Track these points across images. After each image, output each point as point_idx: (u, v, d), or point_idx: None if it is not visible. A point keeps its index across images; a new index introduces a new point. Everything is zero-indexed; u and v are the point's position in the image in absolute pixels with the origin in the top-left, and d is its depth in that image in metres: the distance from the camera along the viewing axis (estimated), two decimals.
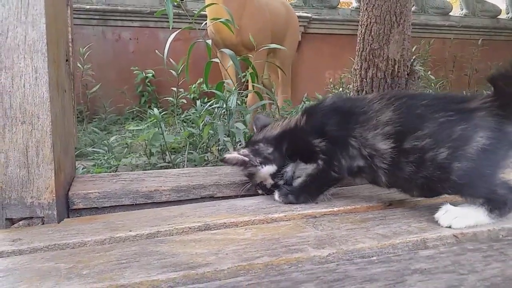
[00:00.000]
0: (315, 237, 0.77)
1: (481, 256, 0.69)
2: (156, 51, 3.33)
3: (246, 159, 1.00)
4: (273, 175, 1.01)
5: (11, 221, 0.87)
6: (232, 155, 1.01)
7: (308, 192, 0.98)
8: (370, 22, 2.39)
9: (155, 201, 0.99)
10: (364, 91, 2.42)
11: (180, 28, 2.71)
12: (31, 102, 0.85)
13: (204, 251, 0.72)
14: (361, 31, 2.43)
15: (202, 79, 4.79)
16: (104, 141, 3.06)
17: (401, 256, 0.69)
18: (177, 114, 4.04)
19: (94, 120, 4.16)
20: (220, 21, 2.59)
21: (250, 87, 3.49)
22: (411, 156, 0.85)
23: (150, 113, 3.03)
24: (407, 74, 2.45)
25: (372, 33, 2.37)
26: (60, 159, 0.92)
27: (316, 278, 0.62)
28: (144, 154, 3.03)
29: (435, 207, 0.93)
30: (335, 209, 0.92)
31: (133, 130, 3.30)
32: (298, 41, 4.86)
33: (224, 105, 2.08)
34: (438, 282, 0.60)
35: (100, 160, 2.74)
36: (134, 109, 4.36)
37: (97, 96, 4.43)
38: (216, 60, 2.73)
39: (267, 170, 1.00)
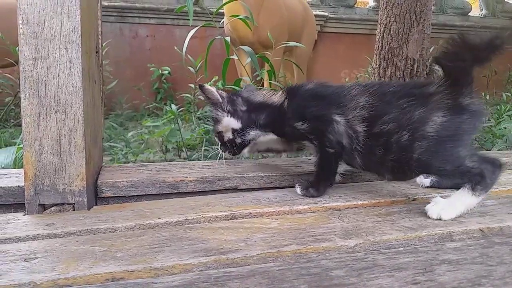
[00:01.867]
0: (341, 228, 0.78)
1: (509, 249, 0.69)
2: (175, 47, 3.36)
3: (220, 99, 1.05)
4: (234, 131, 1.05)
5: (43, 207, 0.89)
6: (212, 88, 1.07)
7: (323, 178, 1.01)
8: (390, 21, 2.38)
9: (180, 191, 1.01)
10: None
11: (197, 26, 2.74)
12: (65, 91, 0.87)
13: (233, 238, 0.73)
14: (380, 30, 2.42)
15: (217, 76, 4.83)
16: (121, 137, 3.10)
17: (428, 248, 0.70)
18: (193, 111, 4.07)
19: (110, 115, 4.22)
20: (239, 18, 2.61)
21: (265, 85, 3.51)
22: (380, 140, 0.91)
23: (166, 109, 3.06)
24: (426, 74, 2.44)
25: (391, 32, 2.36)
26: (90, 148, 0.95)
27: (345, 265, 0.63)
28: (160, 150, 3.07)
29: None
30: (359, 202, 0.93)
31: (150, 126, 3.34)
32: (314, 39, 4.85)
33: None
34: (467, 272, 0.61)
35: (118, 155, 2.78)
36: (150, 106, 4.41)
37: (114, 92, 4.49)
38: (235, 57, 2.75)
39: (231, 122, 1.05)
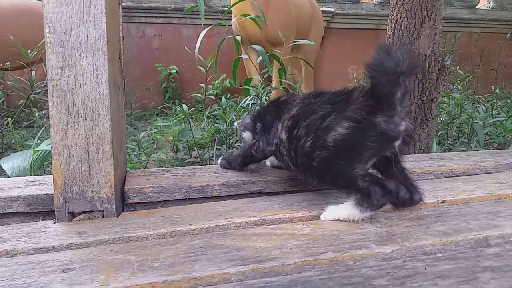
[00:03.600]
0: (375, 234, 0.77)
1: None
2: (186, 47, 3.36)
3: (236, 126, 1.20)
4: (252, 144, 1.09)
5: (72, 215, 0.90)
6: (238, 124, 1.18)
7: (236, 162, 1.12)
8: (401, 17, 2.36)
9: (206, 195, 1.00)
10: None
11: (207, 25, 2.74)
12: (92, 99, 0.87)
13: (268, 246, 0.73)
14: (391, 26, 2.40)
15: (224, 75, 4.83)
16: (132, 137, 3.11)
17: (467, 254, 0.69)
18: (203, 110, 4.07)
19: None
20: (250, 17, 2.60)
21: (274, 83, 3.50)
22: (293, 143, 0.92)
23: (176, 109, 3.06)
24: (438, 70, 2.42)
25: (403, 28, 2.34)
26: (117, 154, 0.95)
27: (386, 274, 0.63)
28: (171, 150, 3.07)
29: (490, 204, 0.93)
30: (389, 206, 0.92)
31: (160, 126, 3.34)
32: (322, 36, 4.83)
33: (258, 101, 2.09)
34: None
35: (131, 156, 2.80)
36: (159, 106, 4.42)
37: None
38: (245, 56, 2.75)
39: (247, 136, 1.13)
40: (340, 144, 0.82)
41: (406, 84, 0.79)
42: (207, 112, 3.52)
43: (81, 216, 0.89)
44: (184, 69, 4.64)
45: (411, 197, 0.88)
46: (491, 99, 4.20)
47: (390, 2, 2.42)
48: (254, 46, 2.62)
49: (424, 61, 2.33)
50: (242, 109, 2.39)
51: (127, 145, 2.89)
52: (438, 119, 3.12)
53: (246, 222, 0.84)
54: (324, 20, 5.06)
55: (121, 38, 1.11)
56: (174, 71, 4.77)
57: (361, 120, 0.81)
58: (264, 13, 3.87)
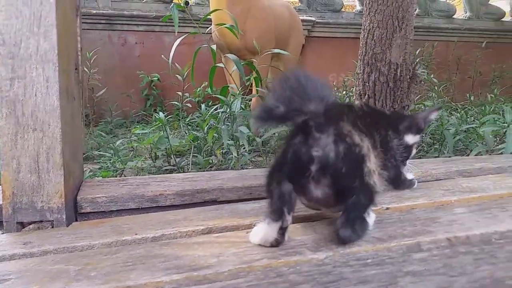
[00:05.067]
0: (313, 240, 0.80)
1: (472, 259, 0.71)
2: (162, 55, 3.38)
3: None
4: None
5: (21, 225, 0.91)
6: None
7: None
8: (373, 27, 2.42)
9: (160, 205, 1.02)
10: (366, 95, 2.45)
11: (185, 33, 2.77)
12: (42, 110, 0.89)
13: (206, 254, 0.75)
14: (364, 36, 2.46)
15: (206, 82, 4.85)
16: (110, 145, 3.11)
17: (394, 259, 0.72)
18: (182, 118, 4.08)
19: (100, 123, 4.22)
20: (225, 27, 2.63)
21: (254, 91, 3.53)
22: None
23: (155, 116, 3.07)
24: (409, 78, 2.48)
25: (375, 38, 2.40)
26: (69, 164, 0.96)
27: (313, 279, 0.65)
28: (149, 158, 3.08)
29: (430, 211, 0.96)
30: (335, 213, 0.95)
31: (139, 133, 3.35)
32: (302, 44, 4.90)
33: (228, 110, 2.12)
34: (429, 283, 0.63)
35: (106, 164, 2.79)
36: (140, 113, 4.42)
37: (103, 99, 4.49)
38: (221, 65, 2.77)
39: None
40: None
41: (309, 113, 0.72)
42: (187, 120, 3.53)
43: (30, 226, 0.91)
44: (166, 76, 4.65)
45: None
46: (467, 106, 4.29)
47: (364, 12, 2.49)
48: (228, 55, 2.66)
49: (396, 70, 2.39)
50: (211, 118, 2.43)
51: (103, 153, 2.89)
52: None
53: (193, 231, 0.86)
54: (305, 29, 5.12)
55: (79, 49, 1.13)
56: (156, 78, 4.78)
57: (285, 137, 0.79)
58: (242, 22, 3.91)
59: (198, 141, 2.89)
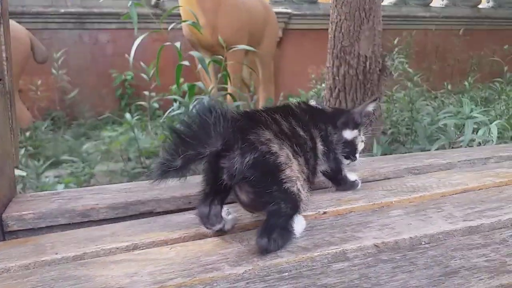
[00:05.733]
0: (236, 254, 0.77)
1: (390, 268, 0.69)
2: (126, 55, 3.31)
3: None
4: None
5: None
6: None
7: None
8: (340, 20, 2.40)
9: (92, 219, 0.98)
10: (337, 89, 2.43)
11: (152, 30, 2.72)
12: None
13: (121, 274, 0.71)
14: (332, 29, 2.44)
15: (182, 79, 4.79)
16: (77, 149, 3.05)
17: (314, 271, 0.70)
18: (157, 117, 4.02)
19: (72, 125, 4.15)
20: (188, 23, 2.59)
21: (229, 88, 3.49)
22: None
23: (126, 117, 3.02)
24: (379, 70, 2.46)
25: (343, 30, 2.38)
26: None
27: None
28: (121, 160, 3.03)
29: (366, 214, 0.94)
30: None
31: (110, 136, 3.29)
32: (277, 38, 4.86)
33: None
34: None
35: (76, 168, 2.75)
36: (113, 113, 4.35)
37: (76, 100, 4.41)
38: (186, 62, 2.73)
39: None
40: None
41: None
42: (161, 119, 3.48)
43: None
44: (139, 75, 4.60)
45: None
46: (444, 94, 4.30)
47: (331, 5, 2.46)
48: (192, 52, 2.61)
49: (365, 62, 2.37)
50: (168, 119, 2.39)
51: (70, 158, 2.84)
52: (394, 117, 3.17)
53: (116, 248, 0.83)
54: (281, 22, 5.08)
55: (5, 58, 1.08)
56: (130, 77, 4.70)
57: None
58: (213, 17, 3.86)
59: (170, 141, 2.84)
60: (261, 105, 4.22)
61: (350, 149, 1.06)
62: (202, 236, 0.87)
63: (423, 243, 0.81)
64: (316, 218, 0.94)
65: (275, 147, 0.79)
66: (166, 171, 0.73)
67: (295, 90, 4.80)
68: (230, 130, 0.74)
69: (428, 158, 1.29)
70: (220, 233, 0.87)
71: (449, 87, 4.30)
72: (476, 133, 2.02)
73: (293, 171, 0.80)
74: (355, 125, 1.06)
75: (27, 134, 2.96)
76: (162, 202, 1.04)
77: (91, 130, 4.08)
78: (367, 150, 2.24)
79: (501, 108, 3.37)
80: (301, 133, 0.90)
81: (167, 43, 2.60)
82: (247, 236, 0.85)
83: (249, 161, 0.74)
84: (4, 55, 1.06)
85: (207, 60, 3.30)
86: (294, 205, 0.80)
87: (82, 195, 1.06)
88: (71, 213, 0.98)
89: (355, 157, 1.09)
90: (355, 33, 2.41)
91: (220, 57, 2.78)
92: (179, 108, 2.19)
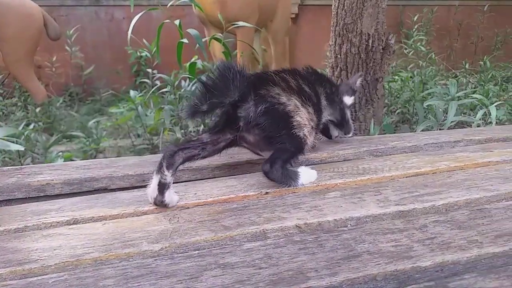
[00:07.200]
0: (160, 232, 0.80)
1: (297, 249, 0.70)
2: (129, 33, 3.35)
3: None
4: None
5: None
6: None
7: None
8: None
9: (48, 194, 1.04)
10: (338, 68, 2.39)
11: (149, 7, 2.74)
12: None
13: (46, 247, 0.76)
14: (335, 5, 2.38)
15: (197, 56, 4.80)
16: (87, 124, 3.16)
17: (222, 249, 0.72)
18: (152, 95, 4.07)
19: (87, 101, 4.26)
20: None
21: None
22: None
23: (135, 94, 3.09)
24: (382, 49, 2.40)
25: (345, 7, 2.32)
26: None
27: (122, 274, 0.66)
28: (128, 136, 3.12)
29: (304, 195, 0.95)
30: (210, 199, 0.95)
31: (117, 112, 3.38)
32: (291, 14, 4.76)
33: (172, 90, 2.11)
34: (230, 277, 0.63)
35: (85, 143, 2.85)
36: (128, 89, 4.43)
37: (92, 77, 4.52)
38: (185, 40, 2.73)
39: None
40: None
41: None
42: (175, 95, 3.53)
43: None
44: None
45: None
46: (464, 74, 4.14)
47: None
48: (189, 30, 2.61)
49: (367, 41, 2.31)
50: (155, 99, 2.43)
51: (77, 133, 2.94)
52: (403, 97, 3.09)
53: (57, 222, 0.87)
54: None
55: None
56: (145, 54, 4.74)
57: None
58: None
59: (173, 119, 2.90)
60: None
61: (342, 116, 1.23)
62: (140, 214, 0.91)
63: (348, 225, 0.81)
64: (257, 198, 0.95)
65: (283, 99, 0.97)
66: (195, 112, 0.89)
67: None
68: (245, 85, 0.90)
69: (394, 141, 1.27)
70: (160, 209, 0.91)
71: (467, 66, 4.13)
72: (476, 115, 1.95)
73: (302, 118, 1.00)
74: (353, 92, 1.26)
75: (37, 110, 3.07)
76: (116, 180, 1.08)
77: (106, 106, 4.19)
78: (364, 131, 2.22)
79: None
80: (307, 89, 1.07)
81: (166, 21, 2.61)
82: (179, 214, 0.88)
83: (261, 110, 0.93)
84: None
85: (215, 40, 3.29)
86: (298, 147, 0.99)
87: (43, 171, 1.11)
88: (27, 188, 1.03)
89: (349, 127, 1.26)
90: (358, 10, 2.34)
91: (220, 34, 2.77)
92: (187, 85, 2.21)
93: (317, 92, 1.12)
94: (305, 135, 1.01)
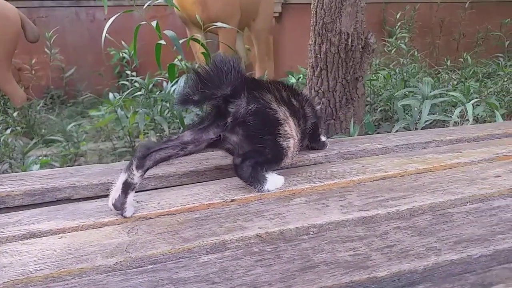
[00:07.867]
0: (116, 245, 0.78)
1: (254, 261, 0.69)
2: (107, 34, 3.30)
3: None
4: None
5: None
6: None
7: None
8: None
9: (8, 205, 1.00)
10: (319, 67, 2.38)
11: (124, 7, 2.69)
12: None
13: None
14: (314, 4, 2.37)
15: (180, 56, 4.76)
16: (66, 128, 3.11)
17: (178, 263, 0.70)
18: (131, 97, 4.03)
19: (69, 104, 4.20)
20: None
21: None
22: None
23: (114, 96, 3.05)
24: (362, 48, 2.39)
25: (324, 6, 2.31)
26: None
27: None
28: (109, 139, 3.08)
29: (268, 202, 0.93)
30: (173, 208, 0.93)
31: (96, 116, 3.33)
32: (274, 13, 4.75)
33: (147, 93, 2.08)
34: None
35: (65, 147, 2.80)
36: (111, 91, 4.38)
37: (74, 79, 4.46)
38: (162, 42, 2.70)
39: None
40: None
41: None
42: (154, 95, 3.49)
43: None
44: (141, 53, 4.59)
45: None
46: (447, 70, 4.17)
47: None
48: (166, 32, 2.58)
49: (347, 40, 2.30)
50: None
51: (55, 137, 2.89)
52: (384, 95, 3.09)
53: (13, 236, 0.84)
54: None
55: None
56: (127, 55, 4.70)
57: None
58: None
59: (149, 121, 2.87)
60: None
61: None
62: (100, 225, 0.89)
63: (311, 233, 0.80)
64: (222, 206, 0.94)
65: (274, 105, 0.98)
66: (186, 101, 0.90)
67: (295, 67, 4.73)
68: (239, 81, 0.90)
69: (365, 143, 1.26)
70: (121, 220, 0.88)
71: (449, 62, 4.16)
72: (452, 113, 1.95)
73: (291, 129, 1.00)
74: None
75: (15, 114, 3.01)
76: (79, 189, 1.05)
77: (89, 108, 4.13)
78: (345, 130, 2.21)
79: (502, 84, 3.25)
80: (294, 102, 1.08)
81: (143, 22, 2.57)
82: (139, 226, 0.86)
83: (252, 109, 0.93)
84: None
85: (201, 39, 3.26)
86: (277, 156, 0.99)
87: (3, 181, 1.08)
88: None
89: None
90: (336, 9, 2.33)
91: (198, 35, 2.74)
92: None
93: (303, 106, 1.13)
94: (288, 146, 1.00)
